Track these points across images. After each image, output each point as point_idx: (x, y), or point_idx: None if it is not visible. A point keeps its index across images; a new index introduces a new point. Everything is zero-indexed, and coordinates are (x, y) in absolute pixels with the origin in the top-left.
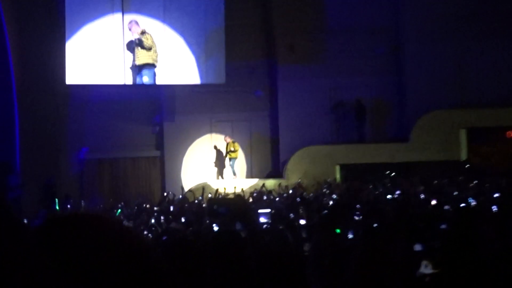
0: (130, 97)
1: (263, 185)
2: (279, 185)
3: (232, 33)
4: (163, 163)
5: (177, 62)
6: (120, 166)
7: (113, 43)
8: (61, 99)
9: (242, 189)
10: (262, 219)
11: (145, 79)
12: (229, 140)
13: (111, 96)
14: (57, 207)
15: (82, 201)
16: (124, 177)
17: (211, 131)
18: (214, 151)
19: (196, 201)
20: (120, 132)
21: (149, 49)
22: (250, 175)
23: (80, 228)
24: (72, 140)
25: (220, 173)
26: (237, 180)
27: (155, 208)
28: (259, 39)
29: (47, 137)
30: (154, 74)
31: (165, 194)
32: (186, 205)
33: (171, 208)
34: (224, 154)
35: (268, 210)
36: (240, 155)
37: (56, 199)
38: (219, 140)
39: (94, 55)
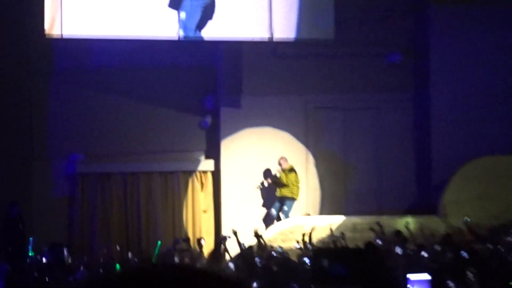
0: (159, 63)
1: (380, 225)
2: (413, 225)
3: None
4: (218, 181)
5: (244, 4)
6: (141, 187)
7: None
8: (37, 64)
9: (330, 228)
10: None
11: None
12: (286, 165)
13: (125, 61)
14: (30, 254)
15: (65, 249)
16: (147, 206)
17: (306, 125)
18: (263, 179)
19: (274, 253)
20: (140, 126)
21: None
22: (376, 208)
23: None
24: (55, 140)
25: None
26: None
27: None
28: None
29: (9, 134)
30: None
31: (220, 238)
32: (256, 259)
33: (231, 266)
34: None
35: (427, 277)
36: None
37: (30, 242)
38: (320, 141)
39: None
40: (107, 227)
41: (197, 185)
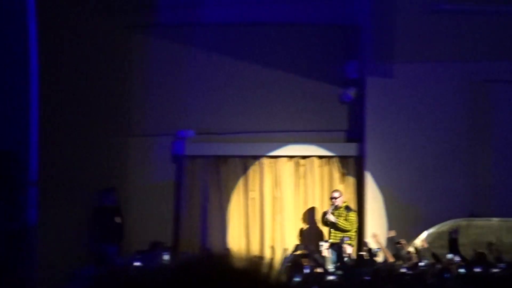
0: (290, 19)
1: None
2: None
3: None
4: (362, 171)
5: None
6: (265, 174)
7: None
8: (136, 17)
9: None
10: None
11: None
12: (338, 200)
13: (247, 15)
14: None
15: (164, 253)
16: (272, 199)
17: (473, 102)
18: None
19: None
20: (265, 98)
21: None
22: None
23: None
24: (158, 112)
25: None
26: None
27: None
28: None
29: (100, 104)
30: None
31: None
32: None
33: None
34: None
35: None
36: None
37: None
38: (491, 124)
39: None
40: (221, 223)
41: (336, 174)
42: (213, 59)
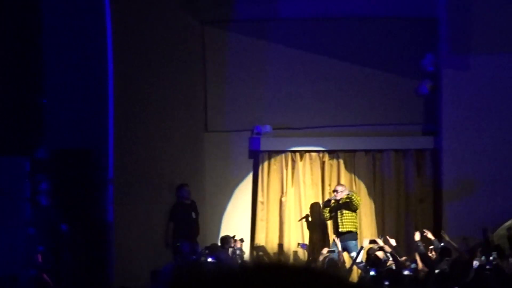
0: (365, 13)
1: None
2: None
3: None
4: (439, 164)
5: None
6: (341, 168)
7: None
8: (212, 13)
9: None
10: None
11: None
12: (339, 194)
13: (322, 9)
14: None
15: (238, 248)
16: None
17: None
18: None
19: None
20: (340, 92)
21: None
22: None
23: None
24: (234, 107)
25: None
26: None
27: None
28: None
29: (177, 100)
30: None
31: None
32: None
33: None
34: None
35: None
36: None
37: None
38: None
39: None
40: (298, 218)
41: (412, 167)
42: (290, 54)
